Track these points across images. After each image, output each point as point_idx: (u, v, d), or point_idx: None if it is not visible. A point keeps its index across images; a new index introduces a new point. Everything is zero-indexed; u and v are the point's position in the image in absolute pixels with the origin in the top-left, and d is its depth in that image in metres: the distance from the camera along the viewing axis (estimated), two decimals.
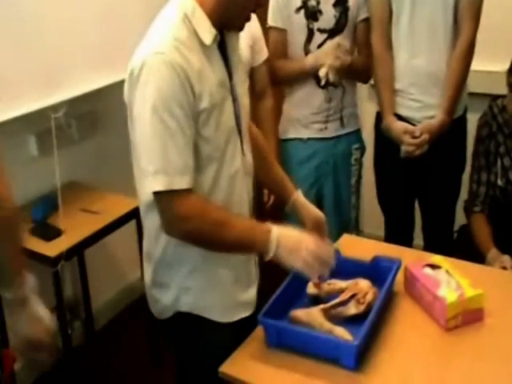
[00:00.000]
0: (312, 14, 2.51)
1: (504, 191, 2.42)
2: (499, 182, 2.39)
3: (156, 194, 1.51)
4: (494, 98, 2.47)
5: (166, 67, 1.45)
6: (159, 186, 1.48)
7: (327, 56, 2.46)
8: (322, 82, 2.49)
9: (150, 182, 1.50)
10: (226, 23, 1.59)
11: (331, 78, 2.46)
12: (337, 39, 2.50)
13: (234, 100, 1.64)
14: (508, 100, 2.36)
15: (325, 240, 1.70)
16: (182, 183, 1.49)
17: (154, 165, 1.48)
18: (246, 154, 1.71)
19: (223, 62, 1.61)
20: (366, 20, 2.56)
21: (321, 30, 2.52)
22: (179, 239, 1.58)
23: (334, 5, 2.50)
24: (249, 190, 1.74)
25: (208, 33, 1.53)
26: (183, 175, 1.49)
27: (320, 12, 2.50)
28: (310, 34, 2.54)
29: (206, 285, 1.68)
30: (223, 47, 1.63)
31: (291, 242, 1.58)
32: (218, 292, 1.70)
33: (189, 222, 1.52)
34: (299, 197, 1.89)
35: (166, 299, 1.70)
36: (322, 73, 2.46)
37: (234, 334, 1.73)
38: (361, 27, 2.58)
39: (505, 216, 2.46)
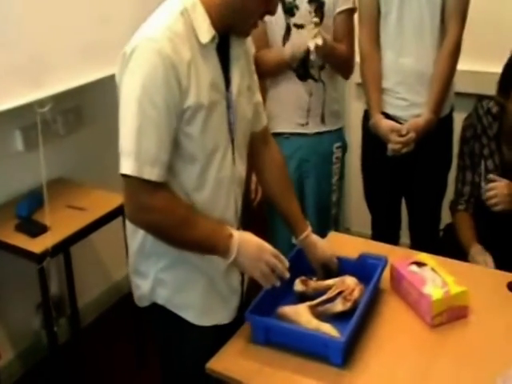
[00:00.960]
0: (289, 10, 2.50)
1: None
2: (483, 185, 2.40)
3: (125, 177, 1.49)
4: (480, 98, 2.48)
5: (154, 55, 1.44)
6: (128, 169, 1.47)
7: (306, 38, 2.42)
8: (312, 57, 2.42)
9: (121, 164, 1.49)
10: (231, 27, 1.58)
11: (312, 56, 2.42)
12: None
13: (229, 107, 1.62)
14: (493, 104, 2.36)
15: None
16: (152, 175, 1.48)
17: (128, 147, 1.47)
18: (237, 165, 1.69)
19: (221, 65, 1.59)
20: (345, 12, 2.53)
21: (297, 26, 2.50)
22: (139, 228, 1.60)
23: (309, 1, 2.50)
24: (236, 199, 1.73)
25: (206, 32, 1.52)
26: (153, 167, 1.48)
27: (296, 7, 2.49)
28: (288, 30, 2.54)
29: (180, 283, 1.68)
30: (226, 51, 1.61)
31: (251, 251, 1.60)
32: (192, 294, 1.69)
33: (151, 214, 1.52)
34: (310, 235, 1.88)
35: (144, 288, 1.71)
36: (311, 44, 2.39)
37: (215, 334, 1.73)
38: (339, 19, 2.55)
39: (488, 216, 2.47)
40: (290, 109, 2.62)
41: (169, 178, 1.55)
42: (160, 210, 1.52)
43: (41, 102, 2.49)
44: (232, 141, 1.65)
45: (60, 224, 2.47)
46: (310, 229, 1.89)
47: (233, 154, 1.66)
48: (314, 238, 1.89)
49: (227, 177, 1.65)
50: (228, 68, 1.62)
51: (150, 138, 1.47)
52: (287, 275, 1.65)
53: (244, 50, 1.69)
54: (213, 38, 1.53)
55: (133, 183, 1.49)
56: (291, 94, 2.60)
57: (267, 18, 2.51)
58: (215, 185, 1.62)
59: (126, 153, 1.48)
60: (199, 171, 1.59)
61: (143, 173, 1.47)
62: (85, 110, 3.01)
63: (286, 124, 2.64)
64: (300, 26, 2.50)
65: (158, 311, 1.71)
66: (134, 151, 1.46)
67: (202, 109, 1.53)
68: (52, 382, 2.69)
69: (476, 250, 2.32)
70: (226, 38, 1.60)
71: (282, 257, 1.65)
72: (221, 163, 1.62)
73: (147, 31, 1.50)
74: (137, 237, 1.67)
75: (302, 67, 2.54)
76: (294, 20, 2.51)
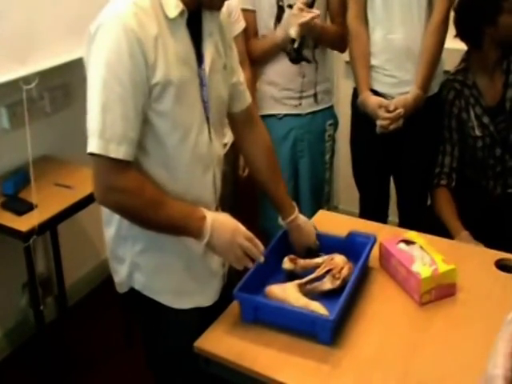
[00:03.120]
0: None
1: (482, 141, 2.45)
2: (477, 132, 2.43)
3: (93, 157, 1.46)
4: (452, 74, 2.55)
5: (118, 30, 1.41)
6: (94, 148, 1.44)
7: (293, 18, 2.41)
8: (296, 45, 2.42)
9: (88, 143, 1.45)
10: (201, 1, 1.54)
11: (296, 44, 2.41)
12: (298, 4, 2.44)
13: (203, 85, 1.59)
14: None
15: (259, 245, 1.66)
16: (119, 153, 1.44)
17: (93, 125, 1.44)
18: (214, 144, 1.66)
19: (193, 41, 1.56)
20: None
21: (291, 6, 2.49)
22: (108, 208, 1.57)
23: None
24: (215, 178, 1.69)
25: (173, 6, 1.48)
26: (120, 145, 1.44)
27: None
28: (280, 12, 2.53)
29: (156, 267, 1.66)
30: (196, 27, 1.57)
31: (224, 234, 1.57)
32: (168, 278, 1.68)
33: (120, 194, 1.48)
34: (297, 218, 1.87)
35: (122, 272, 1.70)
36: (293, 32, 2.39)
37: (199, 316, 1.71)
38: None
39: (474, 193, 2.51)
40: (283, 91, 2.63)
41: (142, 158, 1.53)
42: (129, 190, 1.48)
43: (27, 79, 2.46)
44: (207, 119, 1.62)
45: (47, 202, 2.46)
46: (297, 211, 1.88)
47: (209, 132, 1.63)
48: (301, 221, 1.89)
49: (204, 155, 1.62)
50: (200, 44, 1.58)
51: (116, 114, 1.43)
52: (261, 260, 1.64)
53: (218, 25, 1.64)
54: (181, 13, 1.50)
55: (100, 162, 1.45)
56: (284, 76, 2.61)
57: (257, 3, 2.54)
58: (190, 163, 1.59)
59: (91, 131, 1.44)
60: (172, 150, 1.55)
61: (109, 150, 1.43)
62: (72, 87, 2.96)
63: (279, 106, 2.66)
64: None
65: (136, 296, 1.69)
66: (98, 129, 1.43)
67: (171, 85, 1.49)
68: (39, 360, 2.69)
69: (464, 236, 2.36)
70: (198, 14, 1.57)
71: (257, 240, 1.63)
72: (196, 141, 1.58)
73: (112, 8, 1.46)
74: (113, 221, 1.65)
75: (294, 51, 2.53)
76: (287, 1, 2.50)
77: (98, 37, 1.44)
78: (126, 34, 1.41)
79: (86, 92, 1.48)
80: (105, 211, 1.66)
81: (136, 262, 1.66)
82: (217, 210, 1.73)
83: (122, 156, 1.45)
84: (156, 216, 1.53)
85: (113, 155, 1.44)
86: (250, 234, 1.62)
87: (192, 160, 1.59)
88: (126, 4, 1.44)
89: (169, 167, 1.57)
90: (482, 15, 2.33)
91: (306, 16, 2.38)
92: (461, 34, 2.43)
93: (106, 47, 1.43)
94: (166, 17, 1.49)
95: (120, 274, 1.71)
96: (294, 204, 1.91)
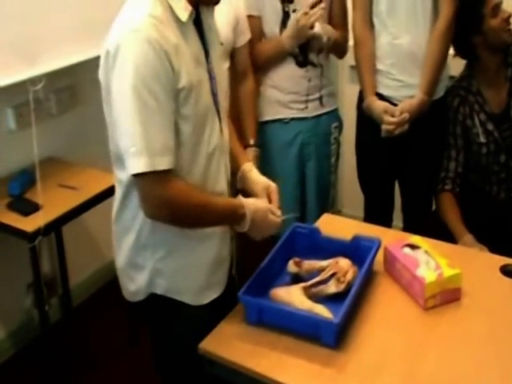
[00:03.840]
0: None
1: (487, 148, 2.46)
2: (481, 139, 2.44)
3: (138, 176, 1.48)
4: (458, 81, 2.56)
5: (142, 44, 1.42)
6: (141, 167, 1.45)
7: (303, 18, 2.43)
8: (324, 39, 2.46)
9: (131, 164, 1.47)
10: None
11: (325, 39, 2.46)
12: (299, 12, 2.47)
13: (212, 78, 1.63)
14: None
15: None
16: (164, 164, 1.47)
17: (135, 145, 1.45)
18: (224, 132, 1.71)
19: (199, 39, 1.59)
20: None
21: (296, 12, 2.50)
22: (164, 222, 1.57)
23: None
24: (226, 166, 1.75)
25: (183, 9, 1.51)
26: (164, 155, 1.47)
27: None
28: (286, 17, 2.53)
29: (180, 268, 1.68)
30: (199, 24, 1.61)
31: (260, 218, 1.67)
32: (192, 275, 1.70)
33: (173, 206, 1.52)
34: (247, 167, 1.87)
35: (140, 280, 1.69)
36: (317, 30, 2.43)
37: (210, 313, 1.73)
38: (336, 3, 2.60)
39: (478, 198, 2.51)
40: (288, 95, 2.63)
41: None
42: (179, 199, 1.52)
43: (34, 80, 2.47)
44: (218, 111, 1.66)
45: (52, 203, 2.46)
46: (249, 163, 1.89)
47: (220, 123, 1.67)
48: (250, 169, 1.87)
49: (217, 147, 1.65)
50: (204, 40, 1.62)
51: (155, 129, 1.45)
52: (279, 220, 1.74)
53: (212, 17, 1.68)
54: (191, 14, 1.52)
55: (147, 179, 1.47)
56: (290, 80, 2.61)
57: (262, 9, 2.55)
58: (207, 160, 1.63)
59: (132, 152, 1.45)
60: (192, 149, 1.58)
61: (156, 165, 1.46)
62: (78, 88, 2.97)
63: (285, 110, 2.66)
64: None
65: (155, 301, 1.70)
66: (141, 147, 1.44)
67: (193, 88, 1.52)
68: (43, 361, 2.69)
69: (469, 240, 2.36)
70: (196, 10, 1.59)
71: (276, 210, 1.74)
72: (210, 135, 1.62)
73: (126, 23, 1.47)
74: (132, 229, 1.65)
75: (301, 54, 2.55)
76: (293, 6, 2.51)
77: (120, 55, 1.44)
78: (152, 46, 1.42)
79: (112, 111, 1.50)
80: (123, 220, 1.67)
81: (158, 268, 1.66)
82: (229, 197, 1.77)
83: (168, 166, 1.48)
84: (207, 217, 1.61)
85: (160, 168, 1.46)
86: (275, 209, 1.74)
87: (207, 154, 1.62)
88: (142, 16, 1.45)
89: (187, 163, 1.58)
90: (468, 28, 2.39)
91: (316, 11, 2.40)
92: (457, 51, 2.50)
93: (132, 63, 1.43)
94: (178, 21, 1.50)
95: (138, 282, 1.70)
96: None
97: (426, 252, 1.80)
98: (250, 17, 2.58)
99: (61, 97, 2.89)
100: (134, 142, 1.45)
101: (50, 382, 2.67)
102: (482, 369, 1.51)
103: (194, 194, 1.56)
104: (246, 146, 2.47)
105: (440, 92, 2.52)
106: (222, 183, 1.71)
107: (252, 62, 2.62)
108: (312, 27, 2.42)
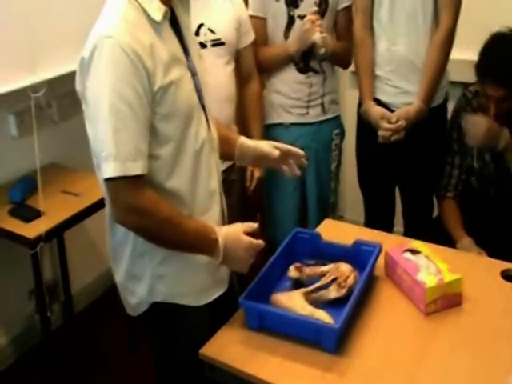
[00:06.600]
0: (293, 1, 2.53)
1: (479, 173, 2.46)
2: (475, 164, 2.43)
3: (109, 180, 1.47)
4: (467, 85, 2.52)
5: (115, 50, 1.42)
6: (112, 172, 1.45)
7: (306, 27, 2.47)
8: (322, 50, 2.49)
9: (103, 169, 1.46)
10: None
11: (322, 50, 2.50)
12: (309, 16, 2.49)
13: (193, 75, 1.63)
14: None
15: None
16: (136, 169, 1.46)
17: (106, 150, 1.45)
18: (212, 129, 1.71)
19: (177, 38, 1.60)
20: (347, 8, 2.62)
21: (301, 17, 2.52)
22: (131, 229, 1.56)
23: None
24: (217, 163, 1.74)
25: (157, 9, 1.51)
26: (136, 161, 1.46)
27: None
28: (291, 21, 2.55)
29: (179, 270, 1.67)
30: (175, 23, 1.62)
31: (238, 252, 1.62)
32: (192, 275, 1.69)
33: (139, 215, 1.50)
34: (243, 140, 1.87)
35: (141, 291, 1.68)
36: (317, 38, 2.46)
37: (211, 315, 1.73)
38: (342, 15, 2.63)
39: (478, 204, 2.50)
40: (290, 100, 2.65)
41: (150, 163, 1.53)
42: (146, 210, 1.49)
43: (35, 87, 2.47)
44: (203, 106, 1.66)
45: (54, 209, 2.47)
46: (241, 137, 1.89)
47: (206, 119, 1.67)
48: (247, 140, 1.88)
49: (205, 144, 1.65)
50: (182, 38, 1.63)
51: (127, 134, 1.44)
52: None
53: (187, 15, 1.69)
54: (165, 14, 1.53)
55: (118, 185, 1.47)
56: (292, 86, 2.63)
57: (267, 11, 2.56)
58: (195, 158, 1.62)
59: (105, 157, 1.45)
60: (174, 148, 1.57)
61: (127, 170, 1.45)
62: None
63: (286, 114, 2.68)
64: (305, 17, 2.51)
65: (156, 311, 1.69)
66: (113, 152, 1.44)
67: (170, 86, 1.52)
68: (45, 367, 2.69)
69: (467, 242, 2.36)
70: (172, 11, 1.60)
71: (257, 243, 1.65)
72: (197, 133, 1.62)
73: (100, 30, 1.47)
74: (129, 240, 1.64)
75: (302, 61, 2.57)
76: (298, 11, 2.53)
77: (94, 61, 1.45)
78: (124, 52, 1.42)
79: (87, 118, 1.51)
80: (119, 232, 1.66)
81: (157, 273, 1.65)
82: (221, 195, 1.76)
83: (140, 171, 1.47)
84: (173, 235, 1.56)
85: (131, 173, 1.45)
86: (257, 244, 1.64)
87: (195, 150, 1.61)
88: (115, 22, 1.46)
89: (175, 162, 1.58)
90: None
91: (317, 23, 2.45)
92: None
93: (105, 69, 1.43)
94: (152, 21, 1.51)
95: (139, 293, 1.69)
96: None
97: (427, 257, 1.80)
98: (254, 18, 2.59)
99: (62, 103, 2.89)
100: (105, 147, 1.45)
101: None
102: (483, 374, 1.51)
103: (163, 208, 1.52)
104: None
105: (439, 99, 2.53)
106: (213, 182, 1.70)
107: (256, 65, 2.63)
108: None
